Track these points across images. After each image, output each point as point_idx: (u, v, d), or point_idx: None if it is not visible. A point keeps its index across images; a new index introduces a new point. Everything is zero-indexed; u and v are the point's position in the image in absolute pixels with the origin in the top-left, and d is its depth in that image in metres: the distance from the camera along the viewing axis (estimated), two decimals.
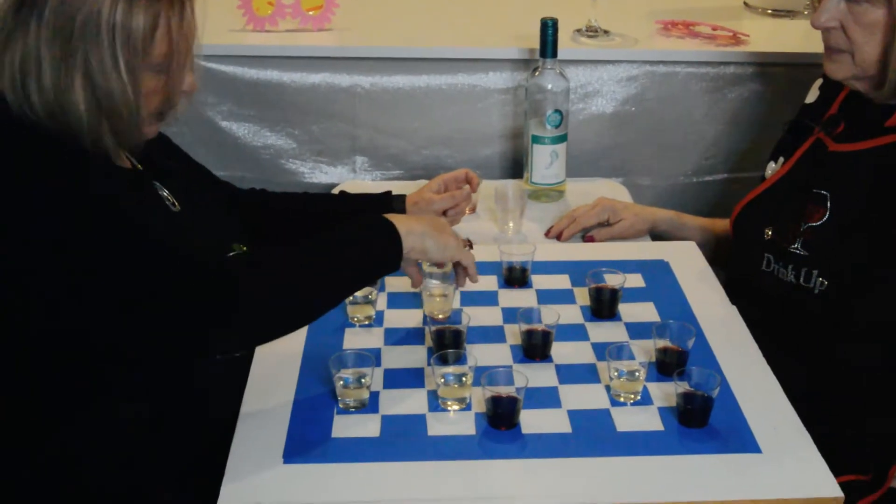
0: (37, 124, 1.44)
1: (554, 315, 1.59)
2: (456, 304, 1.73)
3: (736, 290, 1.79)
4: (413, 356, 1.60)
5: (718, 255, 1.98)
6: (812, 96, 1.87)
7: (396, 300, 1.75)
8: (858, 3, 1.63)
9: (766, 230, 1.78)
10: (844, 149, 1.71)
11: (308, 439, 1.42)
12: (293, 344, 1.63)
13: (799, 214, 1.73)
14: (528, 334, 1.59)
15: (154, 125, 1.56)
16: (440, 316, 1.65)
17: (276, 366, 1.58)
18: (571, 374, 1.56)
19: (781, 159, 1.85)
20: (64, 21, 1.40)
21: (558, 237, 2.03)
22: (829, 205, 1.71)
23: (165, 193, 1.64)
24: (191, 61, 1.54)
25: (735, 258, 1.89)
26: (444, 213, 2.03)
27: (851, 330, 1.66)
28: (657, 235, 2.08)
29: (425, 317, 1.66)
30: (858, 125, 1.72)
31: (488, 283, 1.81)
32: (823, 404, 1.62)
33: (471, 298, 1.76)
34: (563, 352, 1.60)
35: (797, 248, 1.72)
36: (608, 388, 1.52)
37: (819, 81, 1.88)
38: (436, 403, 1.49)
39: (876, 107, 1.70)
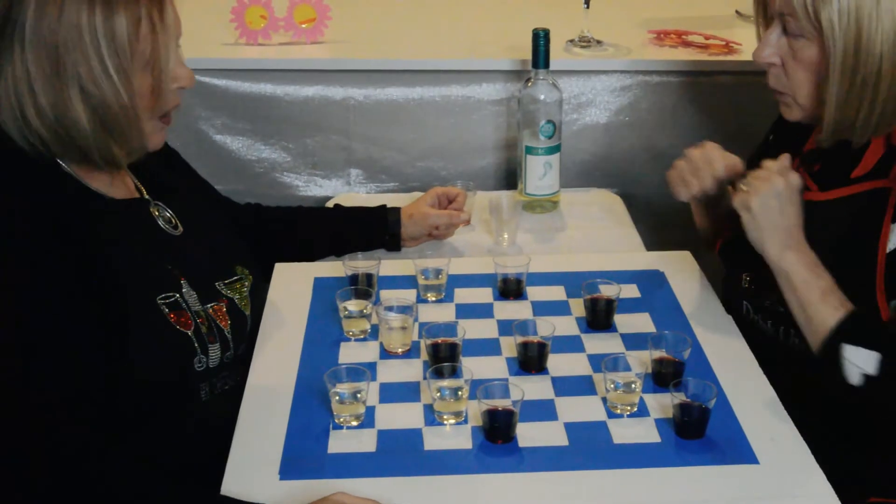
0: (37, 158, 1.46)
1: (549, 327, 1.58)
2: (449, 317, 1.73)
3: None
4: (409, 370, 1.60)
5: None
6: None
7: None
8: (796, 38, 1.58)
9: (745, 276, 1.73)
10: (815, 198, 1.64)
11: (304, 455, 1.41)
12: (288, 359, 1.63)
13: None
14: (524, 346, 1.59)
15: (159, 132, 1.56)
16: (399, 350, 1.64)
17: (272, 382, 1.57)
18: (567, 386, 1.55)
19: None
20: (47, 37, 1.40)
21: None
22: None
23: (169, 214, 1.64)
24: (178, 54, 1.54)
25: (724, 290, 1.84)
26: (437, 227, 2.03)
27: (842, 389, 1.55)
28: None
29: (420, 330, 1.65)
30: (829, 170, 1.65)
31: (483, 295, 1.81)
32: (833, 433, 1.57)
33: (466, 311, 1.75)
34: (558, 364, 1.60)
35: (773, 304, 1.65)
36: (604, 399, 1.51)
37: None
38: (432, 417, 1.48)
39: (844, 154, 1.62)
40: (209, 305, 1.59)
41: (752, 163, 1.69)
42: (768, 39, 1.62)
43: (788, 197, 1.56)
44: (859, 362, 1.47)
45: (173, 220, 1.64)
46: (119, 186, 1.60)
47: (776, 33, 1.61)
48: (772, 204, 1.55)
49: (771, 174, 1.57)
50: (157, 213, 1.62)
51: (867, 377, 1.47)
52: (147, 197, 1.64)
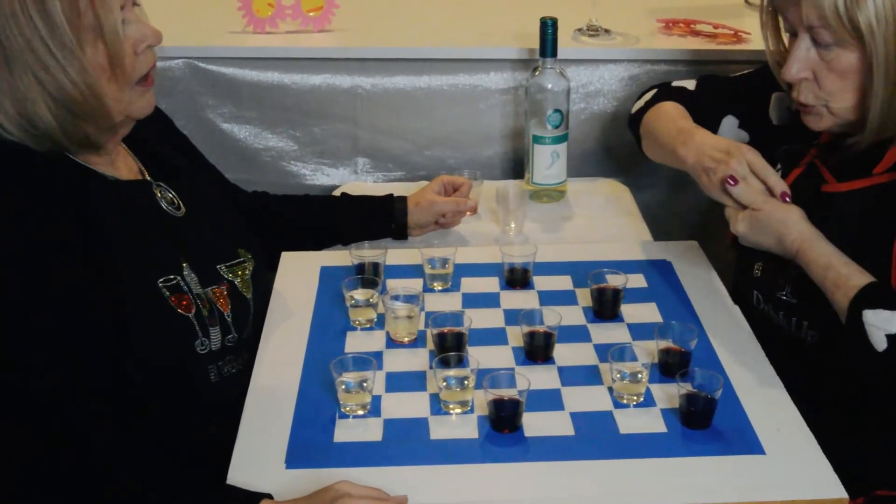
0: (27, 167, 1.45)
1: (556, 316, 1.58)
2: (456, 306, 1.72)
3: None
4: (415, 359, 1.60)
5: None
6: None
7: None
8: (829, 49, 1.55)
9: (757, 266, 1.73)
10: (832, 189, 1.64)
11: (310, 444, 1.42)
12: (295, 348, 1.63)
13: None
14: (530, 336, 1.59)
15: (142, 98, 1.54)
16: (406, 339, 1.64)
17: (278, 370, 1.58)
18: (574, 376, 1.55)
19: (780, 170, 1.80)
20: None
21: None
22: None
23: (171, 195, 1.63)
24: (133, 15, 1.50)
25: (735, 279, 1.84)
26: (444, 214, 2.03)
27: (853, 381, 1.58)
28: None
29: (427, 319, 1.65)
30: (850, 163, 1.63)
31: (489, 284, 1.81)
32: (841, 425, 1.57)
33: (472, 300, 1.75)
34: (565, 353, 1.60)
35: (786, 295, 1.65)
36: (611, 389, 1.51)
37: None
38: (438, 407, 1.48)
39: (865, 148, 1.61)
40: (210, 288, 1.59)
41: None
42: (797, 55, 1.59)
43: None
44: (880, 323, 1.46)
45: (176, 201, 1.64)
46: (121, 167, 1.59)
47: (804, 47, 1.58)
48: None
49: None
50: (159, 195, 1.62)
51: (891, 337, 1.46)
52: (149, 178, 1.63)
